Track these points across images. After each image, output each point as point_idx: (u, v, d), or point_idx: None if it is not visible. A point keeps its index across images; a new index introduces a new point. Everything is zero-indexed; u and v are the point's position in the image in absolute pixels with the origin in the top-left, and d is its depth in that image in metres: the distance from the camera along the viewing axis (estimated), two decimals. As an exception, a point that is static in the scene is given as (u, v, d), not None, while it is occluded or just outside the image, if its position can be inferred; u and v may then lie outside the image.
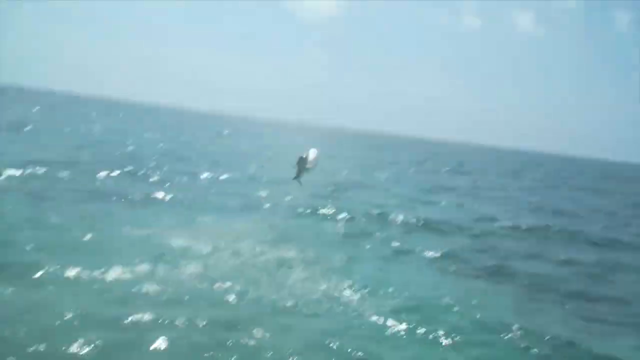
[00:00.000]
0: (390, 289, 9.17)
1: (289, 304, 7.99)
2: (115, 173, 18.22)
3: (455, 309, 8.60)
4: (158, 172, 19.92)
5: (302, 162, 18.91)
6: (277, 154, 39.35)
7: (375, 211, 16.87)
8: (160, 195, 15.33)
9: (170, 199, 15.04)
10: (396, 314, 7.96)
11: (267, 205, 16.23)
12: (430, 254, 12.24)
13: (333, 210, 16.25)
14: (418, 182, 29.77)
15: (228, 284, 8.48)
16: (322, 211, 16.13)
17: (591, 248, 15.34)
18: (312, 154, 18.64)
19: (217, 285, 8.41)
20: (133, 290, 7.83)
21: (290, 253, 10.83)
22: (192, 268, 9.06)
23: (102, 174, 17.72)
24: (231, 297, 8.03)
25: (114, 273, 8.31)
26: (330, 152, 50.98)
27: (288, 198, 17.54)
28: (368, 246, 12.61)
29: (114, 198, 14.30)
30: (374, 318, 7.77)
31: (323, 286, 8.92)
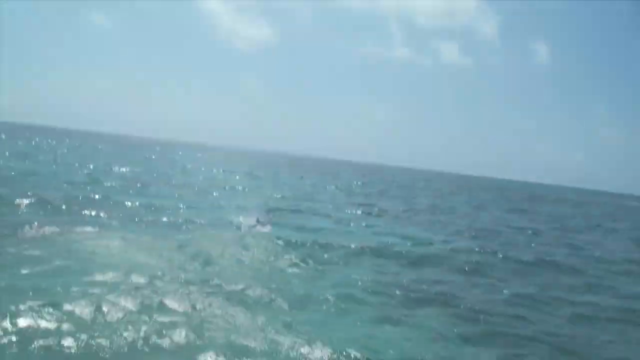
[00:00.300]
0: (316, 325, 8.41)
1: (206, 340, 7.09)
2: (23, 203, 16.52)
3: (391, 347, 7.96)
4: (73, 199, 18.36)
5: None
6: (208, 179, 38.20)
7: (311, 237, 16.23)
8: (72, 224, 13.93)
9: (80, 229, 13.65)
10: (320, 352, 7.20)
11: (197, 229, 15.22)
12: (366, 283, 11.66)
13: (266, 236, 15.49)
14: (351, 205, 29.55)
15: (140, 321, 7.45)
16: (253, 237, 15.32)
17: (524, 269, 15.41)
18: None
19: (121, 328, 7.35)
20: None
21: (211, 286, 9.89)
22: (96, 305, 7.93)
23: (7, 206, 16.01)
24: (136, 340, 6.99)
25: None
26: (261, 176, 50.43)
27: (216, 224, 16.66)
28: (299, 272, 11.88)
29: (18, 231, 12.67)
30: None
31: (242, 320, 8.06)
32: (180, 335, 7.22)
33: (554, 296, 12.52)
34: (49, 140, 76.77)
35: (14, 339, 6.57)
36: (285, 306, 9.17)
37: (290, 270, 12.10)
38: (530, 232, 26.03)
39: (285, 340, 7.31)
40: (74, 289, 8.61)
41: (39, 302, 7.65)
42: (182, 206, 20.49)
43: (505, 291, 12.40)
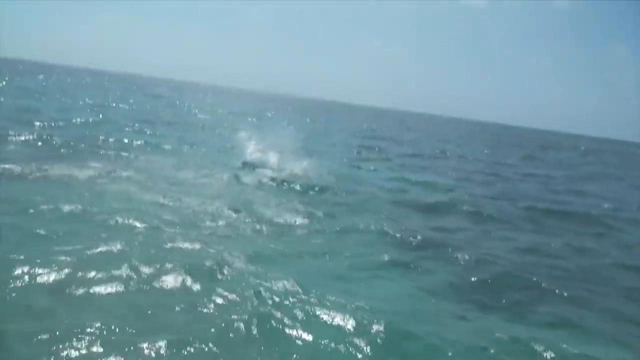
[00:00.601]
0: (321, 273, 8.24)
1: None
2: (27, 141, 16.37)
3: (399, 295, 7.82)
4: (76, 138, 18.19)
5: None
6: (215, 119, 37.81)
7: (316, 181, 15.93)
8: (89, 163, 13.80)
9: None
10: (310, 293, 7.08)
11: (201, 169, 15.05)
12: (373, 229, 11.38)
13: (269, 178, 15.33)
14: (359, 148, 29.22)
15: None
16: (256, 179, 15.15)
17: (533, 216, 15.15)
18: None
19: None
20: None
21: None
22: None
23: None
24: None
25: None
26: (268, 117, 49.89)
27: (220, 164, 16.47)
28: (303, 217, 11.65)
29: (22, 171, 12.44)
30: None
31: (244, 264, 7.93)
32: (187, 273, 7.17)
33: (562, 243, 12.34)
34: (54, 77, 75.94)
35: (26, 282, 6.47)
36: (289, 251, 9.03)
37: (293, 214, 11.84)
38: (539, 179, 25.71)
39: (291, 287, 7.19)
40: (83, 231, 8.47)
41: (51, 245, 7.57)
42: (186, 146, 20.27)
43: (514, 238, 12.23)
